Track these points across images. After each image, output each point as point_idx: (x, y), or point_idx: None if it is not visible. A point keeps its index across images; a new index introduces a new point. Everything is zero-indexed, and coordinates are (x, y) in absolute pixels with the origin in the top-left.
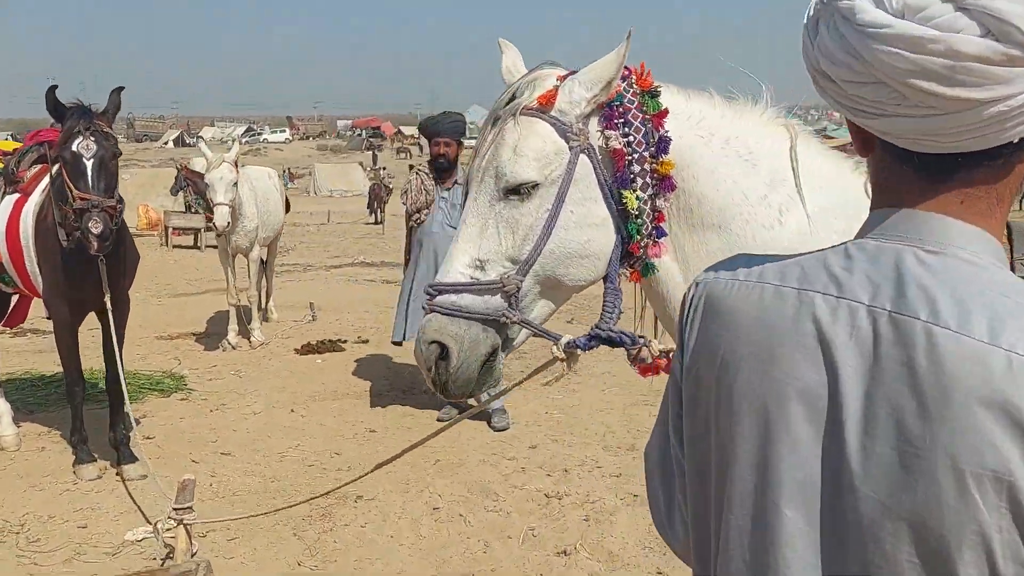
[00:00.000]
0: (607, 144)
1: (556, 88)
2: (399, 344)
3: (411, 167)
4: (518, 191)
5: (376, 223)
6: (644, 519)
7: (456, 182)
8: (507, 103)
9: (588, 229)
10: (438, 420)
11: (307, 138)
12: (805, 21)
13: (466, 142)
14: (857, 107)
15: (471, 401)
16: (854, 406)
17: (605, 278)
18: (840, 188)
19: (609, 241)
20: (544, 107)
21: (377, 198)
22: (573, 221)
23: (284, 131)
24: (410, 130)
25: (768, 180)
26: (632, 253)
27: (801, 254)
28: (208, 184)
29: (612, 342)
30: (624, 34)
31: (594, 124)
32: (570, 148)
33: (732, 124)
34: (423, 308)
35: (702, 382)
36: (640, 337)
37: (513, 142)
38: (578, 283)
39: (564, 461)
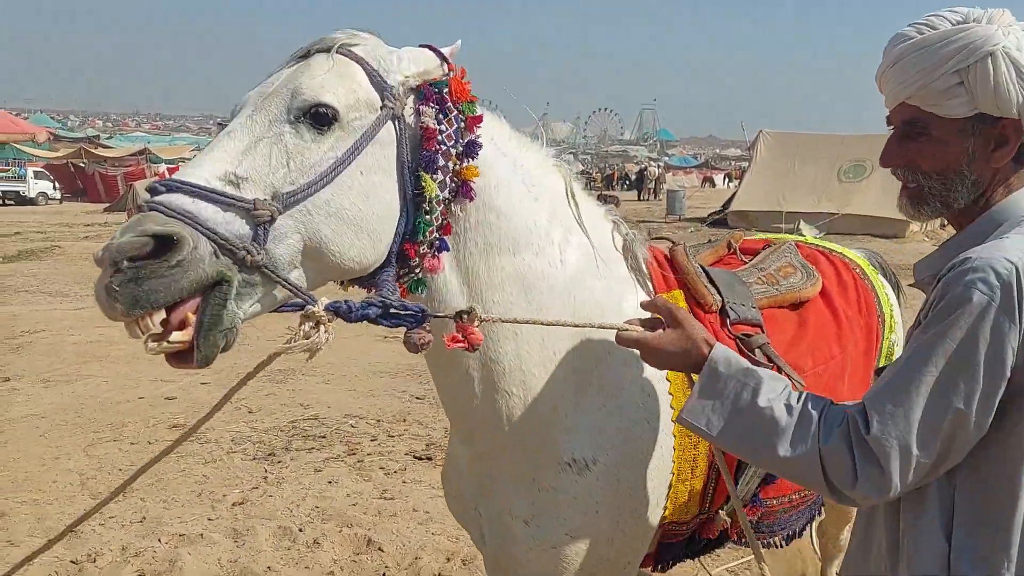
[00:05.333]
0: (419, 121)
1: (380, 46)
2: None
3: None
4: (316, 120)
5: None
6: None
7: None
8: (317, 42)
9: (372, 202)
10: None
11: None
12: None
13: None
14: None
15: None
16: None
17: (377, 272)
18: (601, 231)
19: (389, 227)
20: (364, 57)
21: None
22: (358, 184)
23: None
24: None
25: (548, 216)
26: (407, 256)
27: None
28: None
29: (398, 316)
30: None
31: (411, 102)
32: (382, 107)
33: (520, 152)
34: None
35: None
36: (436, 314)
37: (322, 72)
38: (346, 260)
39: None
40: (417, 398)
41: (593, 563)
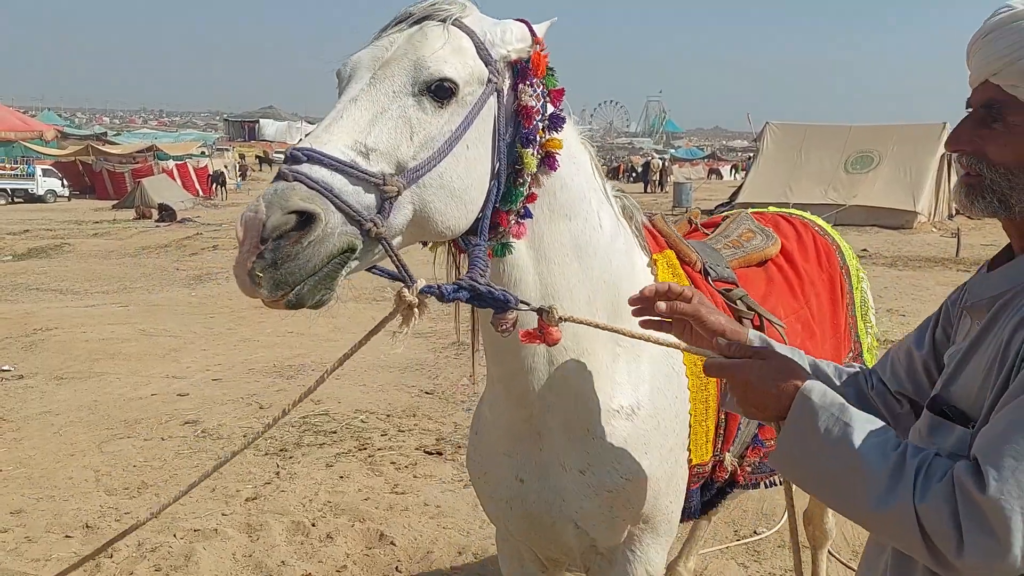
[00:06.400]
0: (517, 98)
1: (484, 17)
2: None
3: None
4: (437, 94)
5: None
6: None
7: None
8: (427, 8)
9: (472, 174)
10: None
11: None
12: None
13: None
14: None
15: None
16: None
17: (469, 237)
18: (613, 199)
19: (482, 197)
20: (474, 30)
21: None
22: (465, 157)
23: None
24: None
25: (587, 184)
26: (498, 225)
27: None
28: None
29: (484, 299)
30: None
31: (508, 75)
32: (488, 81)
33: (569, 125)
34: (281, 172)
35: None
36: (522, 302)
37: (439, 44)
38: (443, 228)
39: None
40: (426, 393)
41: (644, 503)
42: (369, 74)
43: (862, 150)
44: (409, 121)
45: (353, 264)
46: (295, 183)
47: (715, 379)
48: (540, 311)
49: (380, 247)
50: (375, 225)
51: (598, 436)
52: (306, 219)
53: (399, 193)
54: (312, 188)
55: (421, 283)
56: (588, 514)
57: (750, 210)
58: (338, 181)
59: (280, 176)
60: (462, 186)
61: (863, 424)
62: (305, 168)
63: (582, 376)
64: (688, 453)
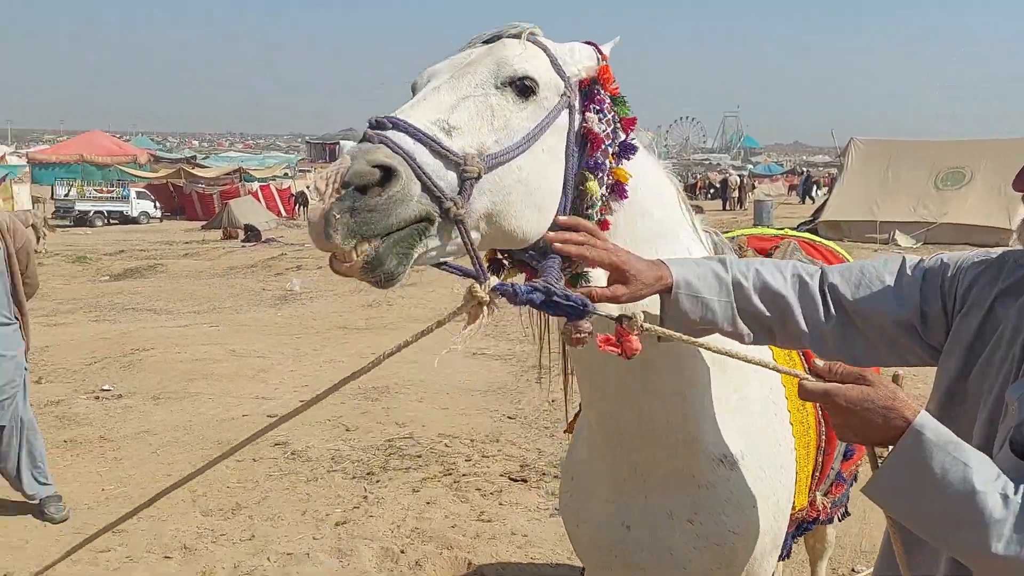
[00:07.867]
0: (585, 124)
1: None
2: None
3: None
4: (519, 90)
5: None
6: None
7: None
8: (499, 30)
9: (547, 179)
10: None
11: None
12: None
13: None
14: None
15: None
16: None
17: (536, 253)
18: (703, 235)
19: (555, 208)
20: (547, 46)
21: None
22: (541, 159)
23: None
24: None
25: (676, 218)
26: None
27: None
28: None
29: (559, 304)
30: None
31: (576, 97)
32: (562, 94)
33: (648, 157)
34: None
35: None
36: (592, 311)
37: (519, 51)
38: (516, 229)
39: None
40: (509, 417)
41: (750, 558)
42: (449, 74)
43: (953, 166)
44: (491, 107)
45: (431, 244)
46: (380, 144)
47: (814, 424)
48: (620, 319)
49: (456, 232)
50: (455, 205)
51: (704, 484)
52: (387, 175)
53: (479, 176)
54: (396, 153)
55: (493, 280)
56: (696, 569)
57: (793, 233)
58: (420, 152)
59: (365, 138)
60: (537, 187)
61: (981, 465)
62: (390, 134)
63: (686, 417)
64: (794, 498)
